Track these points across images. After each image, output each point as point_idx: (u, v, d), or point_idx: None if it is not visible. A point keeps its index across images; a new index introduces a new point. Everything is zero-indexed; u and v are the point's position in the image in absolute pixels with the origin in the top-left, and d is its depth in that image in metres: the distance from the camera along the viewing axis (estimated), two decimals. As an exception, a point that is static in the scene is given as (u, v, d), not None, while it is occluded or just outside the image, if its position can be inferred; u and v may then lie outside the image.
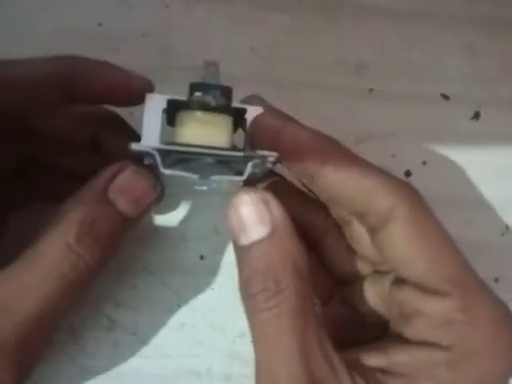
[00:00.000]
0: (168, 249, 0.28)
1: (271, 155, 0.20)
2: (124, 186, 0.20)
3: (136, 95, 0.21)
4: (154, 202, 0.22)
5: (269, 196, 0.19)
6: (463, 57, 0.31)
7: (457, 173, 0.31)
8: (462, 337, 0.19)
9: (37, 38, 0.28)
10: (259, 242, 0.19)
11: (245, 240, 0.19)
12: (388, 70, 0.30)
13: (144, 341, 0.28)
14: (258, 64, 0.29)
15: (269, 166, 0.21)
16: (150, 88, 0.22)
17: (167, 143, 0.21)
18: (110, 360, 0.28)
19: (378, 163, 0.30)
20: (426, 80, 0.31)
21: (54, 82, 0.21)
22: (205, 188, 0.24)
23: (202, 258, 0.29)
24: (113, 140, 0.25)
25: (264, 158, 0.20)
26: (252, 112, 0.22)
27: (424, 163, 0.31)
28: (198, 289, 0.28)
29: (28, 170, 0.25)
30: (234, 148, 0.21)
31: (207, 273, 0.29)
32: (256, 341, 0.19)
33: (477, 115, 0.31)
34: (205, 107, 0.20)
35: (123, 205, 0.20)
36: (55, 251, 0.19)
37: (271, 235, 0.19)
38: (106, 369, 0.27)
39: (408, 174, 0.30)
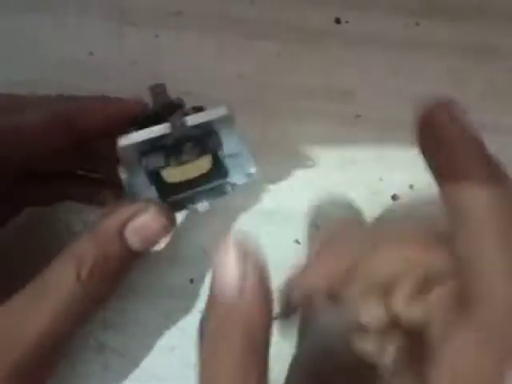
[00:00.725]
0: (157, 272, 0.29)
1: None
2: (141, 227, 0.21)
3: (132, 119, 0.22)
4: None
5: (252, 251, 0.18)
6: (448, 82, 0.31)
7: (443, 196, 0.31)
8: None
9: (28, 66, 0.29)
10: (227, 296, 0.17)
11: (214, 288, 0.18)
12: (374, 96, 0.31)
13: (134, 363, 0.28)
14: (245, 90, 0.30)
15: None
16: (142, 105, 0.23)
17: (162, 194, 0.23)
18: (100, 382, 0.28)
19: (365, 187, 0.30)
20: (412, 105, 0.31)
21: (55, 127, 0.21)
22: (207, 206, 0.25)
23: (191, 281, 0.29)
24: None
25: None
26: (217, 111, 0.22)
27: (411, 187, 0.31)
28: (188, 311, 0.29)
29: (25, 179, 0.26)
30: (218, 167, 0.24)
31: (197, 296, 0.29)
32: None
33: (462, 139, 0.31)
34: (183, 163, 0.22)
35: (135, 243, 0.21)
36: (65, 285, 0.20)
37: (240, 293, 0.17)
38: (97, 391, 0.28)
39: (395, 197, 0.31)
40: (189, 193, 0.24)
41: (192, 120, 0.21)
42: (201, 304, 0.29)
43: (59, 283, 0.20)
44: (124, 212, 0.21)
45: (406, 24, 0.31)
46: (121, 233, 0.21)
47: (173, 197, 0.23)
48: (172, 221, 0.22)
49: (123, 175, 0.22)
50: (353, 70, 0.31)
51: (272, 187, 0.30)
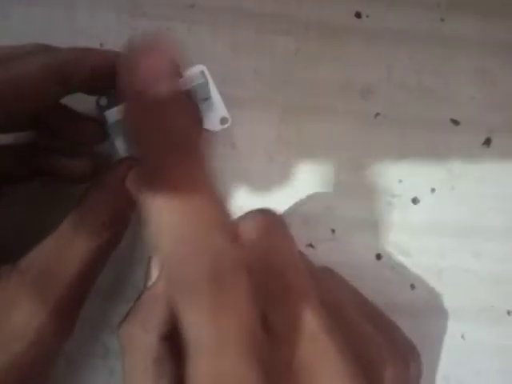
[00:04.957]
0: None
1: None
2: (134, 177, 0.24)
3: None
4: None
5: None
6: (474, 81, 0.30)
7: (466, 201, 0.30)
8: None
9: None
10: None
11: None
12: (395, 95, 0.29)
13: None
14: (261, 87, 0.29)
15: None
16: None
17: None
18: (106, 387, 0.27)
19: (384, 189, 0.29)
20: (435, 105, 0.30)
21: (49, 78, 0.22)
22: None
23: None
24: None
25: None
26: None
27: (433, 190, 0.30)
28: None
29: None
30: None
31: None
32: None
33: (488, 141, 0.30)
34: None
35: (134, 192, 0.24)
36: (95, 230, 0.23)
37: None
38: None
39: (415, 201, 0.30)
40: None
41: None
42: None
43: (90, 230, 0.23)
44: (123, 166, 0.24)
45: (430, 19, 0.30)
46: (123, 183, 0.24)
47: None
48: None
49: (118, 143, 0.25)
50: (373, 67, 0.29)
51: (286, 187, 0.29)
